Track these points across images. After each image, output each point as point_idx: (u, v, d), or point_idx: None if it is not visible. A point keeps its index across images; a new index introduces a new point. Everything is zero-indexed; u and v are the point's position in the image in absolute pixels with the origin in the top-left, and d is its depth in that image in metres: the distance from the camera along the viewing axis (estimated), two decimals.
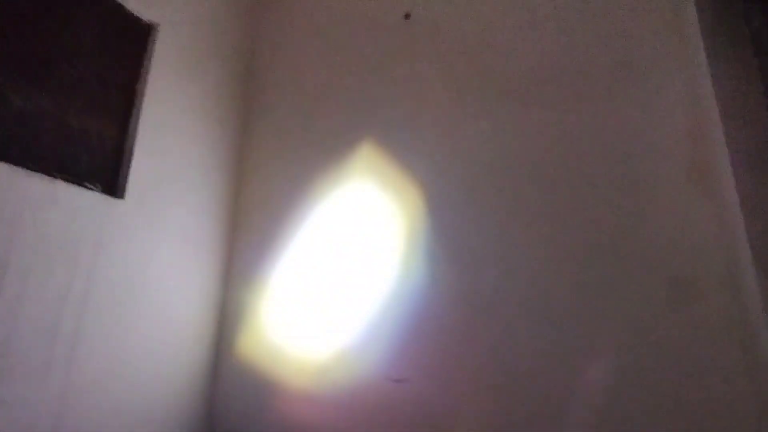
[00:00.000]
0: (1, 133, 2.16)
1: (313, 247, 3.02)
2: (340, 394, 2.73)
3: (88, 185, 2.44)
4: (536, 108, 2.74)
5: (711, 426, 2.06)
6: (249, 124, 3.50)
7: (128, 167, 2.61)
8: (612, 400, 2.29)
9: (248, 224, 3.29)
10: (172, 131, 2.92)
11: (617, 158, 2.58)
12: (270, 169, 3.34)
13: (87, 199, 2.40)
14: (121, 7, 2.70)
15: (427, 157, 2.83)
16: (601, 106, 2.70)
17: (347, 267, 2.87)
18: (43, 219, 2.19)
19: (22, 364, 2.04)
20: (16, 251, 2.08)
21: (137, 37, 2.81)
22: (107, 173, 2.57)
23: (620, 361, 2.31)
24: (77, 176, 2.41)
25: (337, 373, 2.78)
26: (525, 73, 2.78)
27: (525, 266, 2.61)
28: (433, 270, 2.68)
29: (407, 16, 2.82)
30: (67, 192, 2.31)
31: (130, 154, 2.64)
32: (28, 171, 2.18)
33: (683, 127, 2.50)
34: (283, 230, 3.14)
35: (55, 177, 2.28)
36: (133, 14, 2.75)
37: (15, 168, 2.13)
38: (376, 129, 3.02)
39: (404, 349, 2.67)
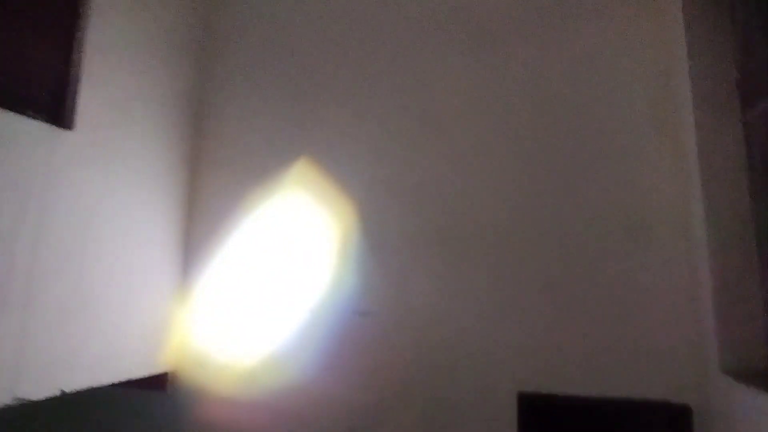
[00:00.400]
0: None
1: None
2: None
3: (31, 114, 2.24)
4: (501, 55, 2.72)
5: (657, 345, 2.38)
6: (211, 59, 3.27)
7: (75, 96, 2.41)
8: (571, 327, 2.50)
9: (211, 161, 3.17)
10: (124, 59, 2.68)
11: (584, 106, 2.64)
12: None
13: (32, 130, 2.22)
14: None
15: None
16: (567, 50, 2.70)
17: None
18: None
19: None
20: None
21: None
22: (52, 102, 2.37)
23: (579, 294, 2.50)
24: (18, 105, 2.21)
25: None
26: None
27: (483, 202, 2.69)
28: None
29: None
30: (7, 122, 2.12)
31: (76, 81, 2.42)
32: None
33: (651, 69, 2.55)
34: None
35: None
36: None
37: None
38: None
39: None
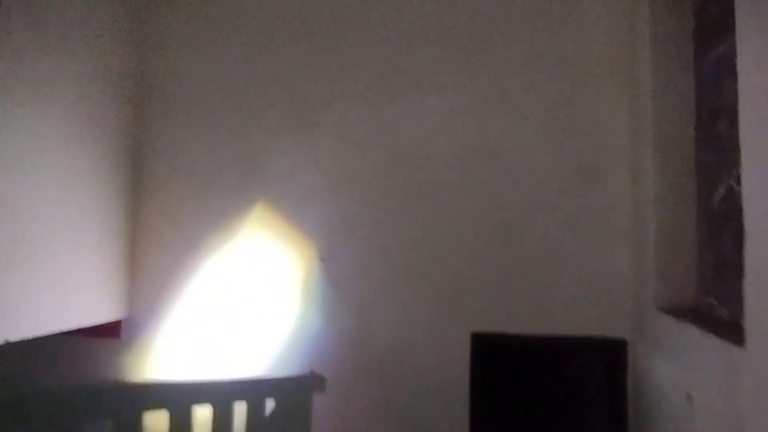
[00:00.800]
0: None
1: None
2: None
3: None
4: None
5: (600, 285, 2.55)
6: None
7: None
8: (521, 269, 2.61)
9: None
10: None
11: (539, 42, 2.63)
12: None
13: None
14: None
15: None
16: None
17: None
18: None
19: None
20: None
21: None
22: None
23: (533, 233, 2.60)
24: None
25: None
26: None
27: (434, 140, 2.69)
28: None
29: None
30: None
31: None
32: None
33: (612, 10, 2.56)
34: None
35: None
36: None
37: None
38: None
39: None
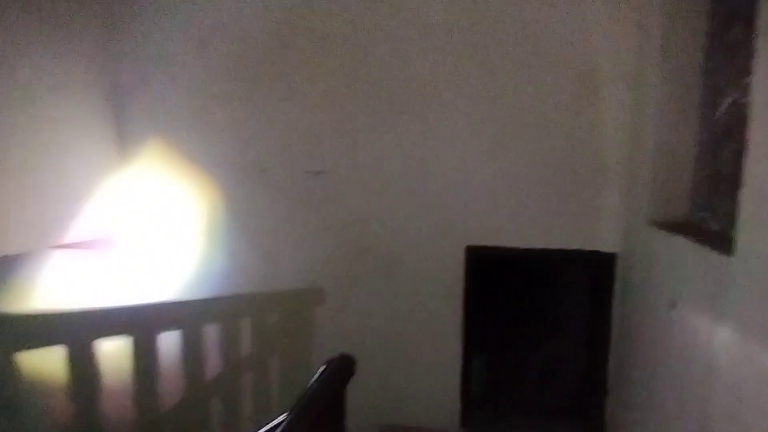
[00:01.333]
0: None
1: None
2: None
3: None
4: None
5: (594, 200, 2.57)
6: None
7: None
8: (516, 183, 2.62)
9: None
10: None
11: None
12: None
13: None
14: None
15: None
16: None
17: None
18: None
19: None
20: None
21: None
22: None
23: (525, 149, 2.58)
24: None
25: None
26: None
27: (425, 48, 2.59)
28: None
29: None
30: None
31: None
32: None
33: None
34: None
35: None
36: None
37: None
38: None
39: None
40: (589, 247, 2.61)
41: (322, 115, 2.70)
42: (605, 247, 2.60)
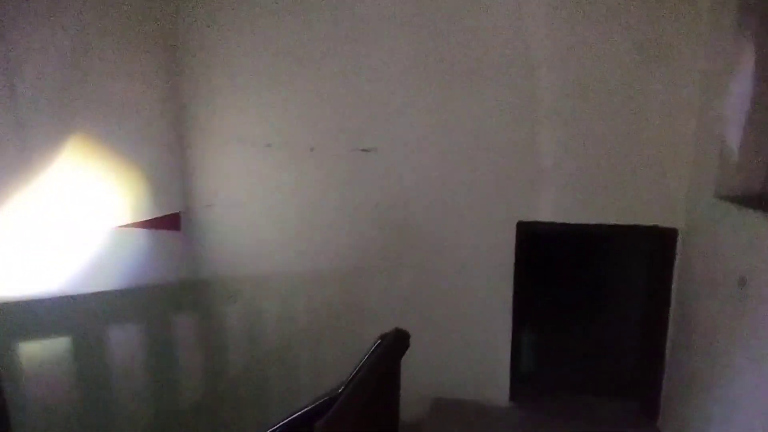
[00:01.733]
0: None
1: None
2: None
3: None
4: None
5: (656, 172, 2.45)
6: None
7: None
8: (573, 155, 2.53)
9: None
10: None
11: None
12: None
13: None
14: None
15: None
16: None
17: None
18: None
19: None
20: None
21: None
22: None
23: (584, 120, 2.48)
24: None
25: None
26: None
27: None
28: None
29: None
30: None
31: None
32: None
33: None
34: None
35: None
36: None
37: None
38: None
39: None
40: (648, 223, 2.50)
41: (370, 92, 2.69)
42: (666, 221, 2.48)
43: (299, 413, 1.63)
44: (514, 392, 2.83)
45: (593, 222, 2.56)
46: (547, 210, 2.60)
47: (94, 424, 2.50)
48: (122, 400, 2.65)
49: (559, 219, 2.59)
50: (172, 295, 3.00)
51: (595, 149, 2.49)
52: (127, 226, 2.67)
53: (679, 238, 2.47)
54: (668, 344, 2.55)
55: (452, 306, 2.80)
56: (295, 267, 2.90)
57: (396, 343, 1.65)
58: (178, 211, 3.02)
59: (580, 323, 3.32)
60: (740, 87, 1.96)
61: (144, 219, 2.77)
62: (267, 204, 2.94)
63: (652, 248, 2.66)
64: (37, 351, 2.24)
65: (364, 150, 2.73)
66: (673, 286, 2.51)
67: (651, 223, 2.50)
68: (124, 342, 2.66)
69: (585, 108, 2.46)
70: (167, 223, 2.94)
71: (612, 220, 2.54)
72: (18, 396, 2.09)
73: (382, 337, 1.68)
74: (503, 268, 2.69)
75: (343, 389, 1.44)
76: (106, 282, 2.55)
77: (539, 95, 2.50)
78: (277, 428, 1.68)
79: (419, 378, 2.63)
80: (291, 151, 2.84)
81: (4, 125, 1.98)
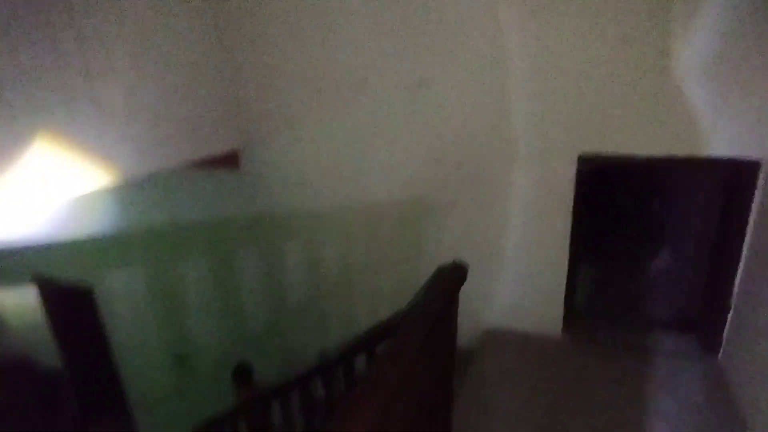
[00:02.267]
0: None
1: None
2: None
3: None
4: None
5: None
6: None
7: None
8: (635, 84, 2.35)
9: None
10: None
11: None
12: None
13: None
14: None
15: None
16: None
17: None
18: None
19: None
20: None
21: None
22: None
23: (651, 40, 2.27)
24: None
25: None
26: None
27: None
28: None
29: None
30: None
31: None
32: None
33: None
34: None
35: None
36: None
37: None
38: None
39: None
40: (724, 154, 2.32)
41: (423, 25, 2.55)
42: (745, 153, 2.29)
43: (361, 339, 1.72)
44: (567, 324, 2.84)
45: (661, 154, 2.40)
46: (610, 140, 2.45)
47: (176, 341, 2.77)
48: (197, 326, 2.91)
49: (623, 150, 2.44)
50: (236, 232, 3.16)
51: (660, 74, 2.27)
52: (191, 165, 2.78)
53: (761, 172, 2.28)
54: (738, 283, 2.45)
55: (508, 239, 2.78)
56: (353, 202, 2.94)
57: (454, 274, 1.67)
58: (237, 148, 3.10)
59: (639, 259, 3.24)
60: None
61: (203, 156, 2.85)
62: (323, 140, 2.95)
63: (729, 181, 2.48)
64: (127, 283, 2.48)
65: (417, 84, 2.65)
66: (750, 223, 2.36)
67: (728, 155, 2.32)
68: (195, 278, 2.88)
69: (650, 31, 2.23)
70: (228, 161, 3.03)
71: (683, 153, 2.36)
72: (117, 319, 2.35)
73: (441, 269, 1.70)
74: (562, 202, 2.61)
75: (402, 318, 1.49)
76: (174, 219, 2.71)
77: (604, 18, 2.29)
78: (340, 353, 1.78)
79: (474, 308, 2.69)
80: (343, 82, 2.80)
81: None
